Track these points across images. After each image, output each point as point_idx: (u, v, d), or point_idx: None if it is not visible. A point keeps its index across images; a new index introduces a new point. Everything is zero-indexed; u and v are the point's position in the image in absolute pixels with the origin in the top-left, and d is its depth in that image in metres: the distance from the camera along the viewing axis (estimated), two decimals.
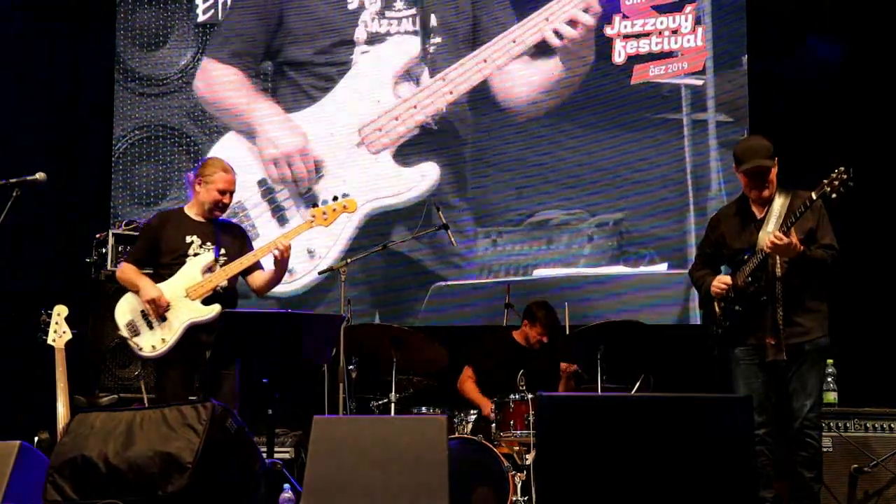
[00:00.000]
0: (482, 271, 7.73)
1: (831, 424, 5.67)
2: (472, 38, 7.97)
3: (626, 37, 7.58)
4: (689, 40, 7.46)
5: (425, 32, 8.01)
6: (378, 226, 7.90)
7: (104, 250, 6.97)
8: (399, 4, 8.09)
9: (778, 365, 5.02)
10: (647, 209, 7.46)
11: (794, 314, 5.04)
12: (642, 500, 3.66)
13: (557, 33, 7.69)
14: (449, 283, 7.74)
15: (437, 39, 8.01)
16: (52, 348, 5.69)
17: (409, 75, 8.03)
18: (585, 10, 7.66)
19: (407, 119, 7.94)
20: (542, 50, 7.76)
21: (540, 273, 7.62)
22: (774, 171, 5.15)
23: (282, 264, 5.47)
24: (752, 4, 7.39)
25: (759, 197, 5.17)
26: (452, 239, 6.68)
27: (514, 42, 7.80)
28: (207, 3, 8.46)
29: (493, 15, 7.96)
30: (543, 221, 7.67)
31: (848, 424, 5.68)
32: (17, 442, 4.53)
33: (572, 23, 7.67)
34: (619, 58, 7.59)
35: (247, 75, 8.32)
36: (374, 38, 8.10)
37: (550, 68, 7.75)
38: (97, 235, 7.17)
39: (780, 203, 5.12)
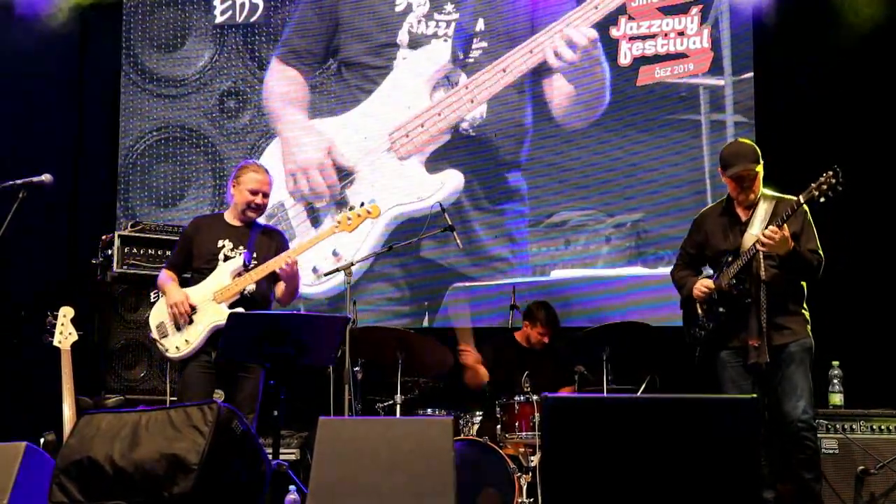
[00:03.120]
0: (499, 272, 7.72)
1: (837, 426, 5.67)
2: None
3: (632, 38, 7.58)
4: (694, 42, 7.45)
5: (468, 37, 7.96)
6: (403, 232, 7.84)
7: (110, 252, 6.97)
8: (448, 7, 8.04)
9: (759, 368, 5.03)
10: (666, 210, 7.44)
11: (778, 317, 5.07)
12: (648, 501, 3.65)
13: (557, 54, 7.70)
14: (466, 284, 7.74)
15: (483, 44, 7.97)
16: (58, 349, 5.71)
17: (447, 81, 8.01)
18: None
19: (431, 126, 7.94)
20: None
21: (557, 274, 7.62)
22: (760, 175, 5.17)
23: (289, 277, 5.52)
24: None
25: (745, 200, 5.19)
26: (458, 241, 6.67)
27: (531, 52, 7.79)
28: (225, 4, 8.45)
29: (546, 24, 7.86)
30: (561, 222, 7.66)
31: (854, 426, 5.67)
32: (23, 443, 4.54)
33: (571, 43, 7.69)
34: (624, 59, 7.58)
35: (303, 75, 8.30)
36: (417, 41, 8.06)
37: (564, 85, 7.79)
38: (103, 237, 7.18)
39: (764, 206, 5.16)
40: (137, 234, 7.00)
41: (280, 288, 5.63)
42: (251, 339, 4.95)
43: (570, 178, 7.69)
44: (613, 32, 7.62)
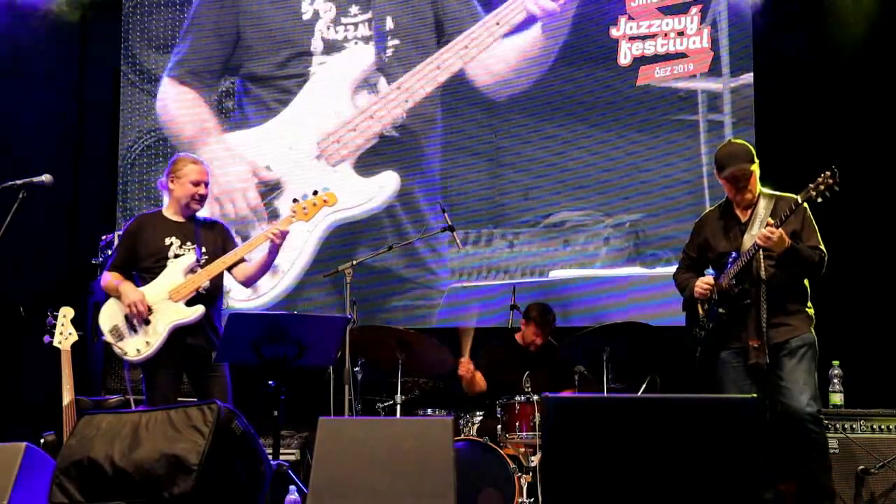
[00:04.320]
0: (498, 273, 7.72)
1: (837, 426, 5.67)
2: (437, 39, 7.96)
3: (632, 38, 7.58)
4: (694, 42, 7.45)
5: (381, 37, 7.97)
6: (341, 238, 7.88)
7: (110, 252, 6.97)
8: (354, 9, 8.03)
9: (759, 368, 5.03)
10: (664, 210, 7.44)
11: (779, 316, 5.06)
12: (648, 501, 3.65)
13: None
14: (465, 284, 7.74)
15: (395, 42, 7.98)
16: (58, 349, 5.70)
17: (366, 83, 7.99)
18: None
19: (364, 130, 7.92)
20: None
21: (556, 274, 7.62)
22: (756, 174, 5.18)
23: (273, 252, 5.44)
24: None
25: (743, 200, 5.19)
26: (458, 241, 6.67)
27: (466, 48, 7.81)
28: None
29: (453, 15, 7.94)
30: (560, 223, 7.66)
31: (854, 426, 5.68)
32: (23, 443, 4.54)
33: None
34: (624, 59, 7.58)
35: (202, 95, 8.28)
36: (331, 47, 8.07)
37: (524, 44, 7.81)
38: (103, 237, 7.18)
39: (763, 206, 5.15)
40: None
41: (246, 270, 5.50)
42: (251, 340, 4.94)
43: (569, 178, 7.69)
44: (613, 32, 7.62)
